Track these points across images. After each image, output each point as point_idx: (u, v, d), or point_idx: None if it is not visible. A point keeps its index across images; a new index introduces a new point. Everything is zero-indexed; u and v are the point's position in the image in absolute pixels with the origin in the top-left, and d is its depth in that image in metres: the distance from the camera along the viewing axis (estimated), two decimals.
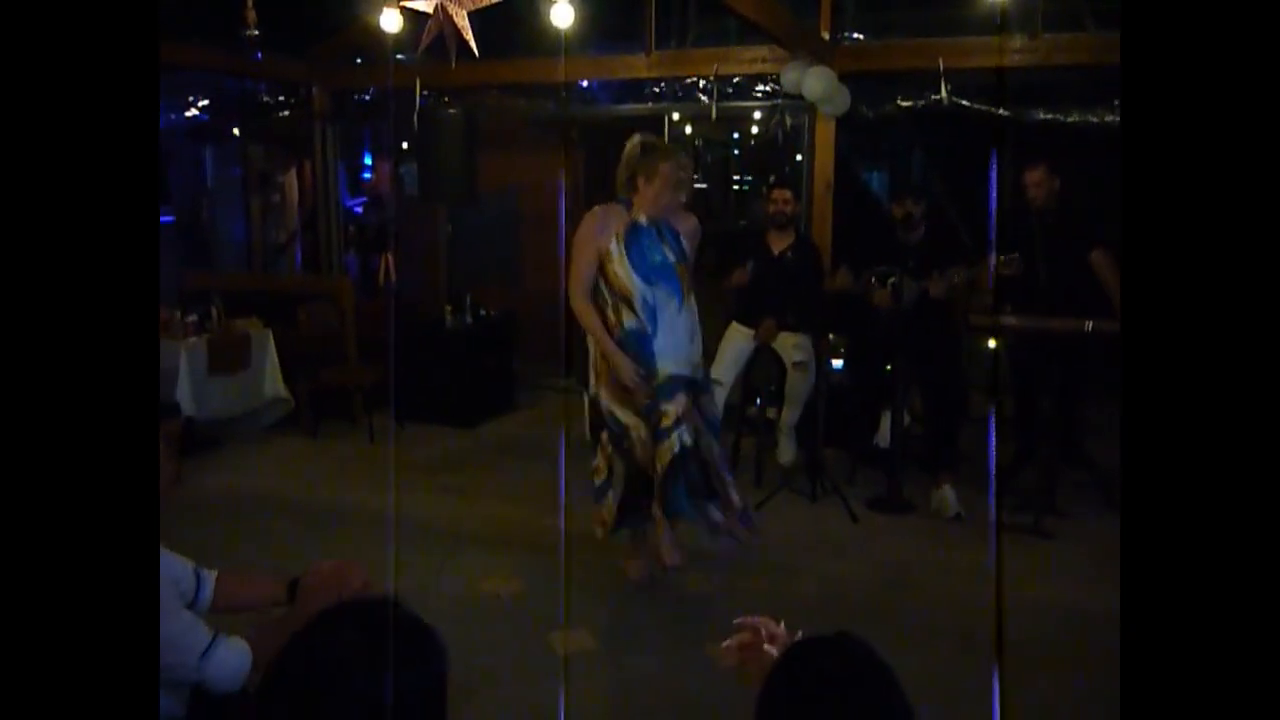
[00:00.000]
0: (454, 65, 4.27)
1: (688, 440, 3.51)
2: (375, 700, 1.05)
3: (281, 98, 7.35)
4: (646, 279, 3.51)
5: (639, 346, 3.51)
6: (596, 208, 3.68)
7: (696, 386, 3.64)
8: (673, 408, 3.49)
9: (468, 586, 3.82)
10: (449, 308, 6.36)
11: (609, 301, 3.56)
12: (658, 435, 3.51)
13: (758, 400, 5.32)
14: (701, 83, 6.15)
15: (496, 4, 4.03)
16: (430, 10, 4.10)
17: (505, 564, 4.03)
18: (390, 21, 4.24)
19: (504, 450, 5.78)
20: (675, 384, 3.52)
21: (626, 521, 3.73)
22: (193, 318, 5.39)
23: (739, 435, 5.32)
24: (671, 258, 3.57)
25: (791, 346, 5.10)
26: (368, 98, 7.11)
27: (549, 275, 6.95)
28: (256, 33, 4.36)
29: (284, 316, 5.99)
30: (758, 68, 5.84)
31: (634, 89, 6.44)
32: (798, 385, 5.12)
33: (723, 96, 6.12)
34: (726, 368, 5.13)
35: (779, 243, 5.20)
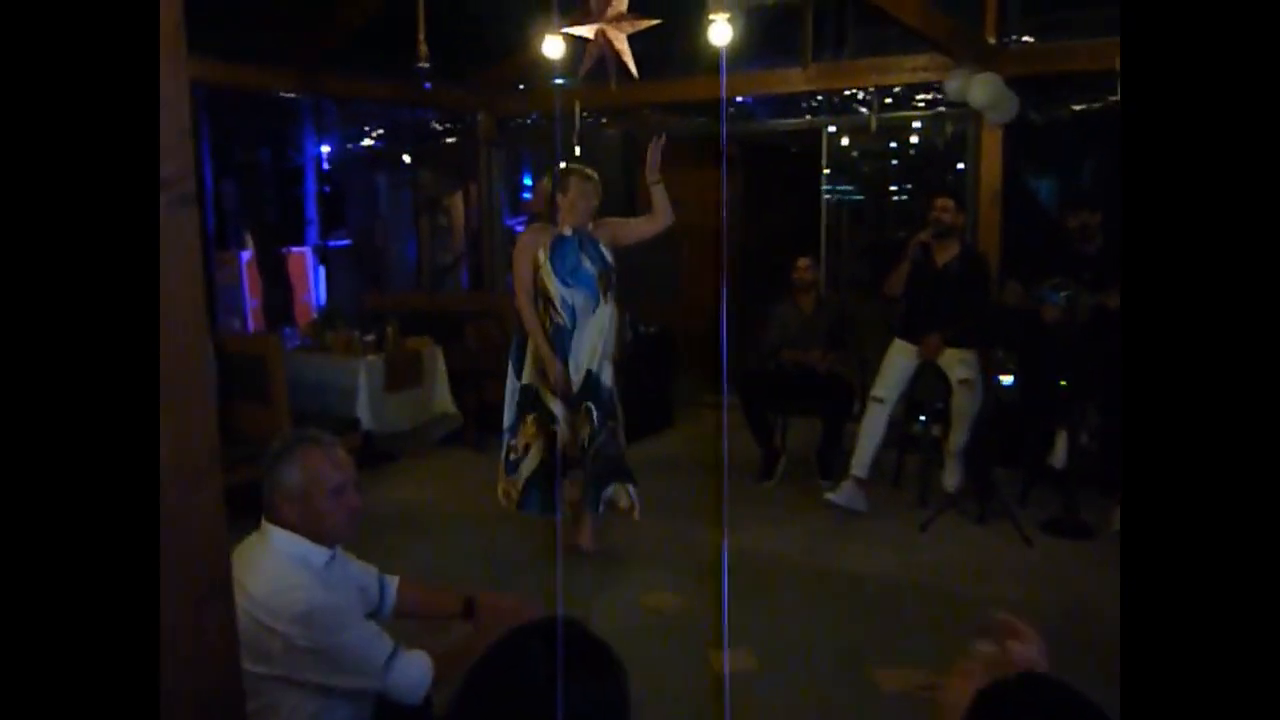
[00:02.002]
0: (613, 87, 4.35)
1: (601, 433, 4.12)
2: None
3: (449, 124, 7.67)
4: (565, 283, 4.07)
5: (561, 341, 4.10)
6: (534, 225, 4.44)
7: (597, 385, 4.14)
8: (592, 403, 4.09)
9: (628, 602, 3.86)
10: None
11: (541, 303, 4.13)
12: (585, 426, 4.11)
13: (921, 419, 5.17)
14: (860, 94, 6.05)
15: (655, 26, 4.10)
16: (591, 35, 4.20)
17: (666, 580, 4.05)
18: (552, 48, 4.36)
19: (663, 466, 5.81)
20: (594, 379, 4.11)
21: (528, 503, 4.22)
22: (370, 337, 5.67)
23: (901, 453, 5.18)
24: (589, 265, 4.10)
25: (957, 363, 4.91)
26: (529, 121, 7.33)
27: (707, 292, 6.97)
28: (427, 64, 4.55)
29: (452, 334, 6.23)
30: (919, 76, 5.70)
31: (791, 103, 6.40)
32: (964, 403, 4.93)
33: (882, 107, 6.00)
34: (890, 385, 4.98)
35: (943, 254, 5.04)
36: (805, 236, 6.71)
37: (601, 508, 4.21)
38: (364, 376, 5.35)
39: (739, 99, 6.44)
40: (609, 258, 4.17)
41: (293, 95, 6.86)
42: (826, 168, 6.70)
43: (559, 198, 4.12)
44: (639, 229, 4.27)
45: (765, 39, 5.68)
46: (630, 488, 4.22)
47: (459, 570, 4.09)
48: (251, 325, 7.95)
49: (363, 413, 5.30)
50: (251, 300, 8.50)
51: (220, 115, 7.20)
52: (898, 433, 5.14)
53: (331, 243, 8.60)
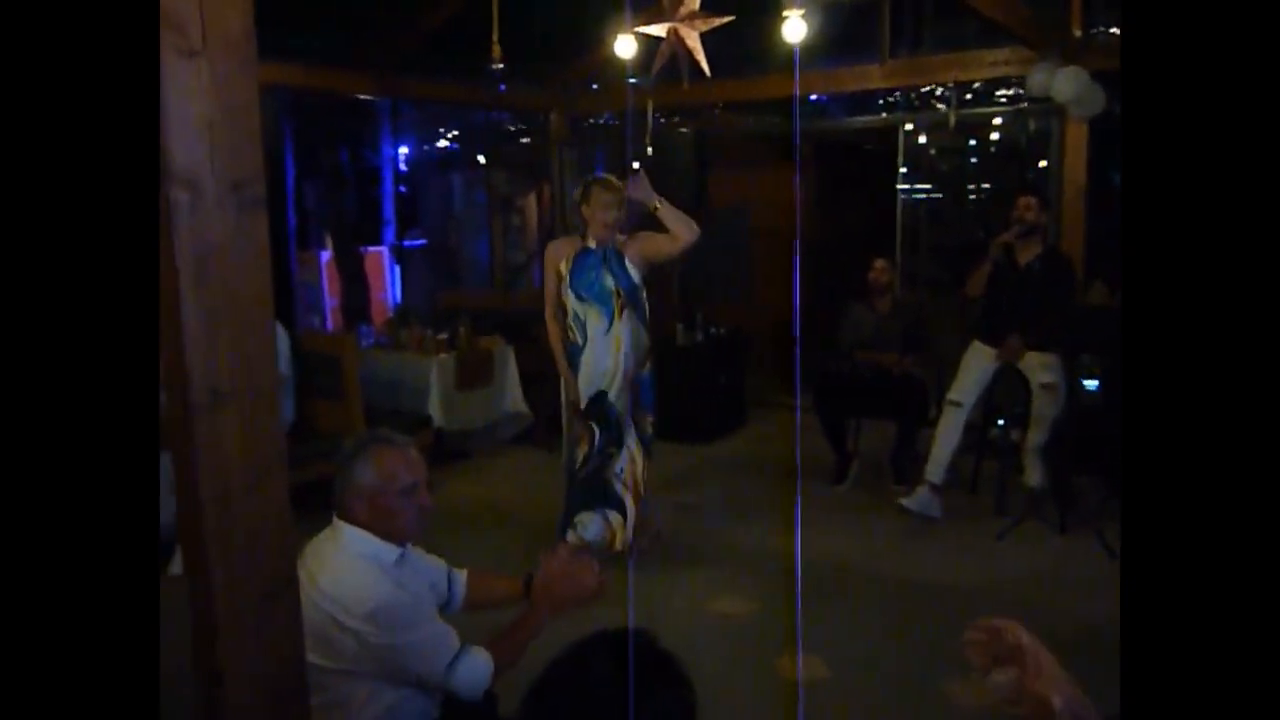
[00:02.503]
0: (686, 86, 4.32)
1: (595, 459, 4.02)
2: None
3: (522, 125, 7.73)
4: (579, 297, 3.96)
5: (572, 357, 4.03)
6: (565, 236, 4.34)
7: (605, 406, 4.00)
8: (596, 424, 3.99)
9: (697, 606, 3.83)
10: (680, 325, 6.44)
11: (562, 317, 4.05)
12: (583, 446, 4.04)
13: (1000, 423, 5.03)
14: (939, 90, 5.92)
15: (727, 23, 4.06)
16: (663, 34, 4.18)
17: (736, 584, 4.01)
18: (624, 47, 4.36)
19: (735, 468, 5.77)
20: (602, 400, 3.98)
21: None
22: (443, 335, 5.73)
23: (979, 459, 5.05)
24: (608, 281, 3.94)
25: (1039, 366, 4.74)
26: (602, 121, 7.34)
27: (780, 292, 6.90)
28: (501, 66, 4.58)
29: (524, 333, 6.27)
30: (1000, 71, 5.54)
31: (867, 100, 6.29)
32: (1045, 408, 4.76)
33: (961, 103, 5.86)
34: (967, 389, 4.85)
35: (1025, 253, 4.88)
36: (881, 236, 6.59)
37: (569, 536, 4.02)
38: (436, 375, 5.41)
39: (813, 97, 6.35)
40: (634, 275, 4.00)
41: (371, 98, 6.98)
42: (903, 166, 6.57)
43: (583, 209, 4.00)
44: (664, 247, 4.03)
45: (840, 35, 5.58)
46: (609, 515, 4.04)
47: (528, 567, 4.10)
48: (330, 323, 8.12)
49: (434, 410, 5.36)
50: (330, 299, 8.69)
51: (302, 118, 7.37)
52: (975, 438, 5.01)
53: (407, 242, 8.74)
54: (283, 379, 4.87)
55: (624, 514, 4.03)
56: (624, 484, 4.05)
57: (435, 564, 2.33)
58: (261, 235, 1.36)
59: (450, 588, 2.33)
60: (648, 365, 4.12)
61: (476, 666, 2.02)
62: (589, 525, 4.03)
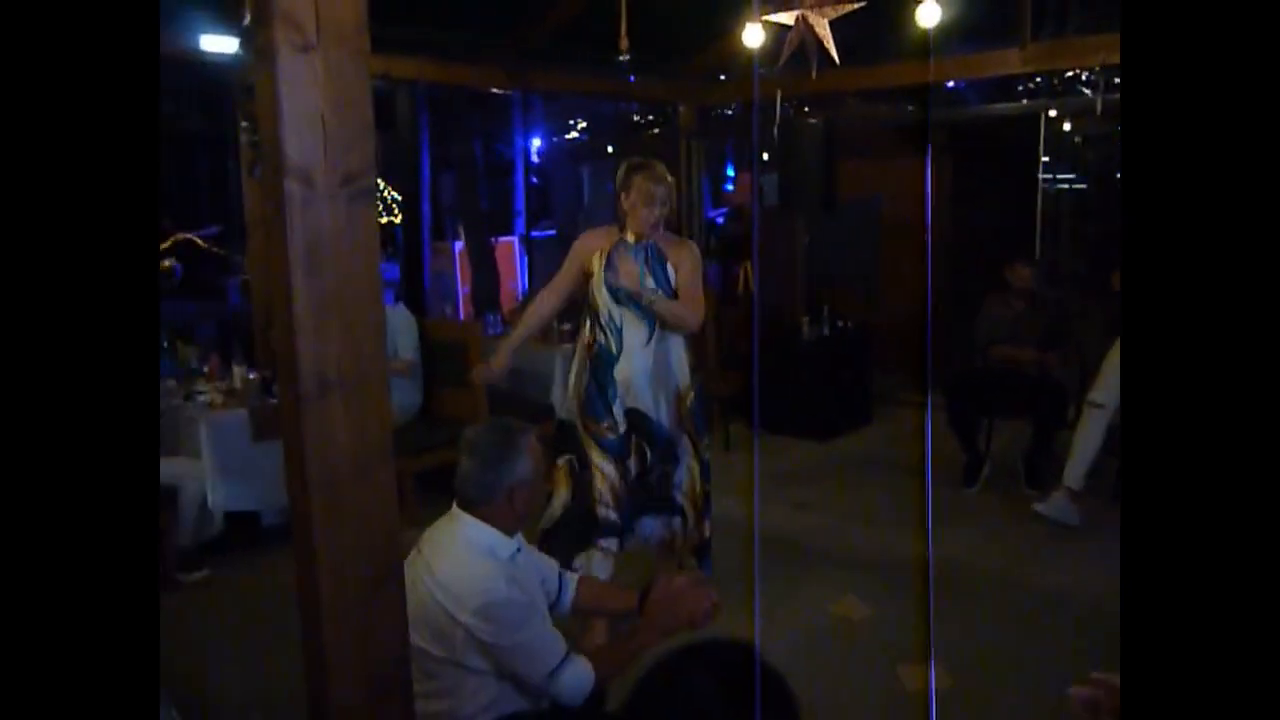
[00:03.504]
0: (814, 75, 4.22)
1: (655, 470, 3.47)
2: None
3: (651, 117, 7.72)
4: (615, 297, 3.38)
5: (601, 368, 3.40)
6: (594, 229, 3.67)
7: (651, 426, 3.42)
8: (646, 443, 3.42)
9: (817, 608, 3.74)
10: (806, 318, 6.32)
11: (586, 319, 3.49)
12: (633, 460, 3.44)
13: None
14: (1084, 74, 5.61)
15: (858, 9, 3.93)
16: (791, 22, 4.09)
17: (857, 586, 3.90)
18: (752, 36, 4.28)
19: (859, 465, 5.63)
20: (647, 421, 3.41)
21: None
22: (567, 326, 5.78)
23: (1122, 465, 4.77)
24: (650, 283, 3.37)
25: None
26: (730, 112, 7.26)
27: (909, 286, 6.68)
28: (628, 57, 4.57)
29: None
30: None
31: (1006, 86, 6.02)
32: None
33: (1109, 88, 5.54)
34: (1111, 390, 4.56)
35: None
36: (1021, 228, 6.31)
37: (626, 545, 3.47)
38: (560, 364, 5.46)
39: (949, 83, 6.12)
40: (675, 280, 3.42)
41: (503, 91, 7.10)
42: (1045, 154, 6.27)
43: (622, 199, 3.41)
44: (675, 308, 3.39)
45: (979, 18, 5.34)
46: (672, 520, 3.55)
47: (643, 556, 4.09)
48: (462, 312, 8.33)
49: (557, 400, 5.41)
50: (463, 288, 8.92)
51: (438, 112, 7.56)
52: (1117, 442, 4.73)
53: (536, 233, 8.87)
54: (413, 364, 5.00)
55: (685, 520, 3.57)
56: (684, 494, 3.56)
57: (547, 563, 2.34)
58: (371, 227, 1.37)
59: (560, 589, 2.33)
60: (695, 387, 3.57)
61: (579, 675, 2.00)
62: (657, 528, 3.56)
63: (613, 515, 3.38)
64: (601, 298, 3.38)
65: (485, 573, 1.98)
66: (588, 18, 5.34)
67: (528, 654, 1.97)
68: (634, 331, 3.38)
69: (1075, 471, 4.53)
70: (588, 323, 3.46)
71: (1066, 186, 6.64)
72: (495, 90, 6.96)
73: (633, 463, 3.43)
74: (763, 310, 6.90)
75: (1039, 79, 5.84)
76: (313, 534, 1.37)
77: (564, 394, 5.34)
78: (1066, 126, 6.45)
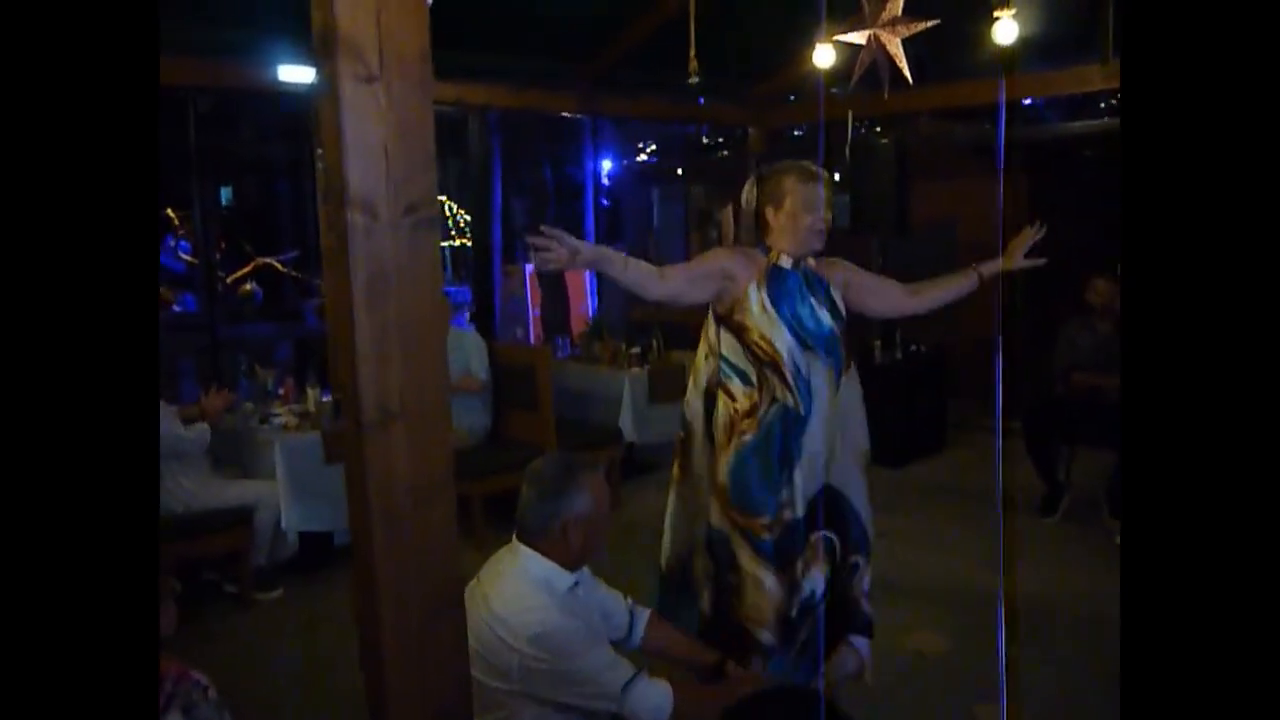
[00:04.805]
0: (886, 95, 4.16)
1: (819, 591, 2.66)
2: None
3: (721, 139, 7.71)
4: (803, 341, 2.55)
5: (784, 435, 2.54)
6: (725, 247, 2.86)
7: (846, 510, 2.71)
8: (833, 533, 2.67)
9: (892, 642, 3.64)
10: (878, 342, 6.21)
11: (738, 373, 2.57)
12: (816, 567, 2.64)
13: None
14: None
15: (932, 27, 3.87)
16: (863, 41, 4.04)
17: (932, 619, 3.79)
18: (823, 56, 4.24)
19: (933, 493, 5.49)
20: (837, 499, 2.66)
21: None
22: (636, 349, 5.77)
23: None
24: (826, 317, 2.60)
25: None
26: (801, 133, 7.21)
27: (985, 310, 6.51)
28: (698, 79, 4.57)
29: None
30: None
31: (1087, 103, 5.86)
32: None
33: None
34: None
35: None
36: (1103, 249, 6.11)
37: (817, 680, 2.67)
38: (628, 388, 5.45)
39: (1027, 101, 5.98)
40: (843, 309, 2.70)
41: (573, 115, 7.15)
42: None
43: (769, 211, 2.66)
44: (882, 300, 2.83)
45: (1059, 34, 5.21)
46: (863, 643, 2.83)
47: None
48: (533, 334, 8.39)
49: (626, 424, 5.40)
50: (534, 310, 8.99)
51: (509, 136, 7.65)
52: None
53: None
54: (484, 386, 5.04)
55: (871, 637, 2.84)
56: (868, 600, 2.86)
57: (615, 596, 2.30)
58: (434, 257, 1.37)
59: (631, 624, 2.30)
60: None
61: (654, 693, 1.97)
62: (848, 659, 2.79)
63: (772, 639, 2.61)
64: (781, 341, 2.53)
65: (539, 603, 1.97)
66: (657, 42, 5.36)
67: (588, 678, 1.94)
68: (822, 382, 2.58)
69: None
70: (738, 377, 2.58)
71: None
72: (566, 114, 7.02)
73: (811, 567, 2.66)
74: None
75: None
76: (373, 562, 1.36)
77: (633, 423, 5.28)
78: None
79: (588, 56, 5.95)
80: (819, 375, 2.57)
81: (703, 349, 2.74)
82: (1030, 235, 2.91)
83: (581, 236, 9.00)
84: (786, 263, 2.62)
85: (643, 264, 2.57)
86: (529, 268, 8.95)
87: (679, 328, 6.44)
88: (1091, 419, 4.86)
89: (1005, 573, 4.10)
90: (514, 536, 2.09)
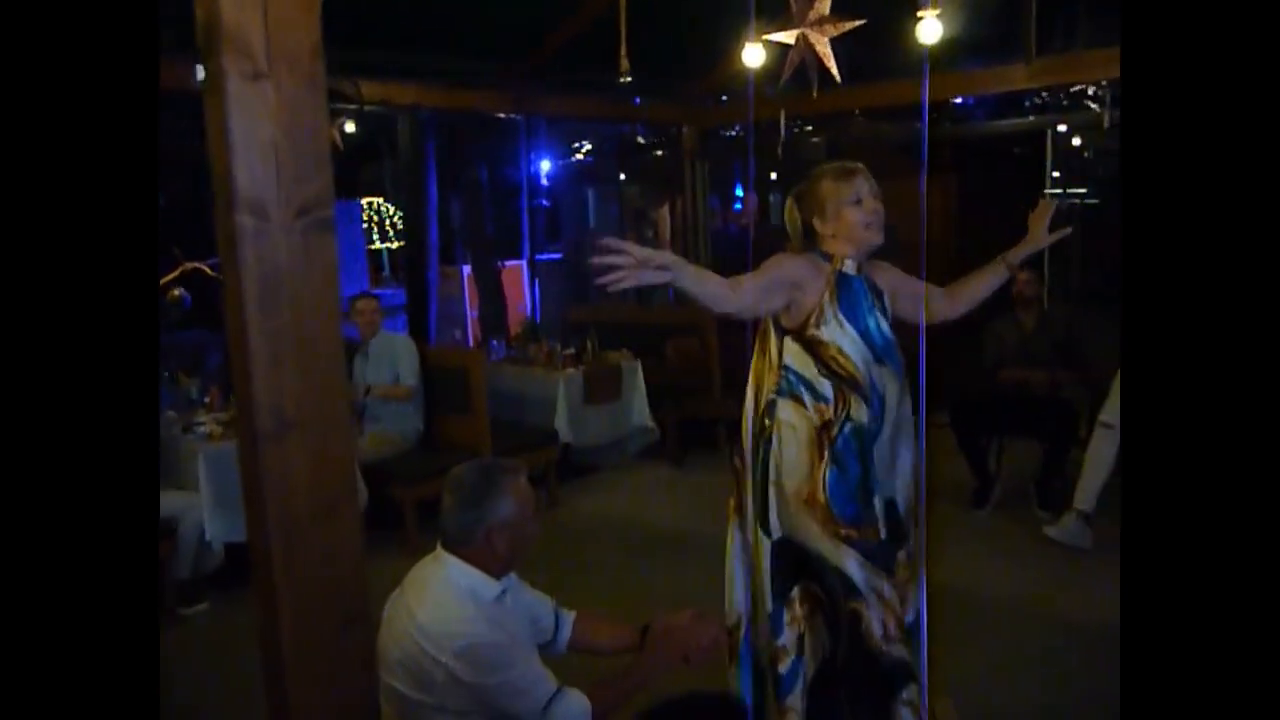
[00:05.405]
0: (815, 94, 4.18)
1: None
2: None
3: (656, 139, 7.71)
4: (874, 353, 2.43)
5: (865, 452, 2.42)
6: (789, 252, 2.59)
7: (905, 530, 2.55)
8: (904, 556, 2.49)
9: None
10: None
11: (807, 386, 2.42)
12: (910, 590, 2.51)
13: None
14: (1092, 90, 5.55)
15: (859, 27, 3.89)
16: (791, 40, 4.05)
17: None
18: (752, 56, 4.24)
19: None
20: (899, 515, 2.50)
21: None
22: (570, 350, 5.74)
23: None
24: (885, 324, 2.49)
25: None
26: (734, 133, 7.24)
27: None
28: (629, 78, 4.55)
29: (653, 348, 6.22)
30: None
31: (1013, 102, 5.97)
32: None
33: (1116, 102, 5.48)
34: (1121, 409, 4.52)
35: None
36: None
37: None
38: (563, 390, 5.42)
39: (955, 100, 6.07)
40: (892, 314, 2.58)
41: (508, 115, 7.09)
42: (1054, 170, 6.20)
43: (816, 224, 2.56)
44: (928, 304, 2.64)
45: (983, 34, 5.30)
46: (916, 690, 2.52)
47: (643, 585, 4.02)
48: (470, 336, 8.31)
49: (561, 426, 5.37)
50: (471, 312, 8.91)
51: (443, 137, 7.56)
52: None
53: (541, 256, 8.86)
54: (413, 393, 4.96)
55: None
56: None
57: (540, 600, 2.27)
58: (330, 259, 1.33)
59: (557, 627, 2.27)
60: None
61: (572, 709, 1.94)
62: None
63: (904, 654, 2.45)
64: (859, 356, 2.41)
65: (465, 614, 1.93)
66: (590, 41, 5.33)
67: (513, 693, 1.91)
68: (893, 392, 2.47)
69: (1087, 493, 4.44)
70: (811, 393, 2.42)
71: (1076, 202, 6.57)
72: (500, 114, 6.96)
73: (904, 597, 2.53)
74: None
75: (1045, 94, 5.79)
76: (273, 576, 1.32)
77: (569, 424, 5.30)
78: (1075, 142, 6.39)
79: (519, 55, 5.90)
80: (893, 390, 2.47)
81: (761, 363, 2.57)
82: (1048, 208, 2.85)
83: (518, 236, 8.96)
84: (850, 268, 2.50)
85: (714, 275, 2.36)
86: (466, 269, 8.87)
87: (617, 328, 6.43)
88: (1018, 412, 4.95)
89: (932, 567, 4.14)
90: (438, 545, 2.05)
